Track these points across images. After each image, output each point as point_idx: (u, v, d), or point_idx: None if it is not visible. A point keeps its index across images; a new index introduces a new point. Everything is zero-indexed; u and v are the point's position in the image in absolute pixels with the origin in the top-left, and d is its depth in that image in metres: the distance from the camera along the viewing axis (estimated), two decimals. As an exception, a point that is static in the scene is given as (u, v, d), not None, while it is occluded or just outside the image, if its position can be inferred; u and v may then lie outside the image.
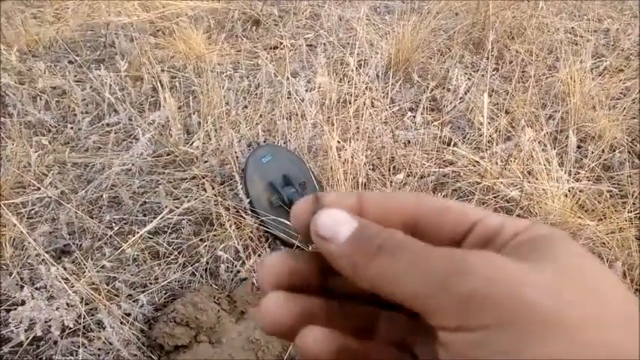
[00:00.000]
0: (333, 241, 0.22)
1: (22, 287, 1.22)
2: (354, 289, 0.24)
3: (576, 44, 2.18)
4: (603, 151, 1.64)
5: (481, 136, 1.64)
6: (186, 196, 1.49)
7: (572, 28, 2.31)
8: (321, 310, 0.24)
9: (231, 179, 1.51)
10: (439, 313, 0.19)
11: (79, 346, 1.13)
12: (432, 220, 0.23)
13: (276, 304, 0.24)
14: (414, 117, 1.76)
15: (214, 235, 1.37)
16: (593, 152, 1.62)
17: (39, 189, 1.50)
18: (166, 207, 1.43)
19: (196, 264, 1.31)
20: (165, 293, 1.25)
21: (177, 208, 1.43)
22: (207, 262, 1.31)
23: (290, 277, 0.24)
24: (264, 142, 1.64)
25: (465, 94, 1.85)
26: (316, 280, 0.24)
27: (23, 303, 1.15)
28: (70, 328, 1.14)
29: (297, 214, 0.24)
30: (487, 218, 0.23)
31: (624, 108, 1.80)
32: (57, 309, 1.13)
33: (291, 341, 0.24)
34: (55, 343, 1.15)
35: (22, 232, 1.31)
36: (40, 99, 1.83)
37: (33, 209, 1.47)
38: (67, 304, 1.16)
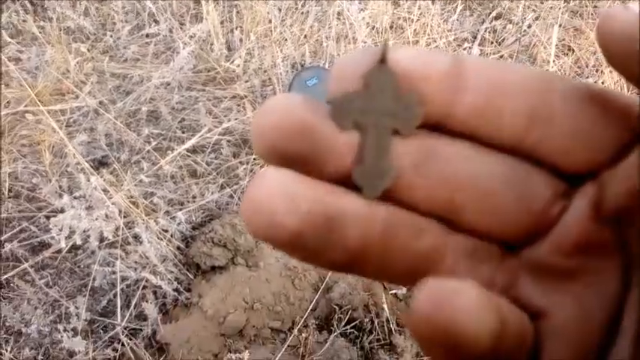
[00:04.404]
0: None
1: (61, 195, 1.21)
2: None
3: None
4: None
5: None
6: (226, 116, 1.44)
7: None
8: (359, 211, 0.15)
9: (273, 101, 1.44)
10: None
11: (116, 258, 1.14)
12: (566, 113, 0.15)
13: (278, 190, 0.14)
14: (471, 48, 1.63)
15: (254, 159, 1.33)
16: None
17: (77, 97, 1.47)
18: (205, 125, 1.39)
19: (235, 186, 1.28)
20: (203, 213, 1.23)
21: (217, 127, 1.38)
22: (246, 186, 1.28)
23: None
24: (310, 63, 1.55)
25: (529, 27, 1.70)
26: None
27: (63, 211, 1.15)
28: (109, 240, 1.14)
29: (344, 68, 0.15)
30: None
31: None
32: (96, 219, 1.13)
33: (288, 254, 0.15)
34: (93, 252, 1.15)
35: (61, 139, 1.29)
36: (80, 4, 1.76)
37: (72, 117, 1.44)
38: (106, 215, 1.15)
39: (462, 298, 0.13)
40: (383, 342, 1.06)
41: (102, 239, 1.15)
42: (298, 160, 0.14)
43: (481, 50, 1.61)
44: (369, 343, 1.06)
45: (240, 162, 1.33)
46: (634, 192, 0.15)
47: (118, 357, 1.09)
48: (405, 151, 0.15)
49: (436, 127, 0.15)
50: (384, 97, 0.14)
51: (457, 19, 1.76)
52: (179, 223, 1.17)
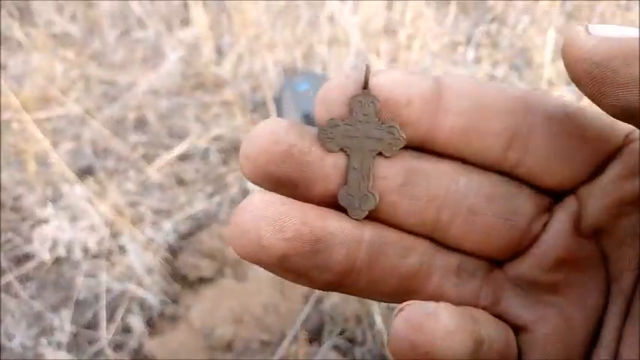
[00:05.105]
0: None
1: (45, 205, 1.18)
2: None
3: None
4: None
5: (541, 79, 1.50)
6: (215, 122, 1.41)
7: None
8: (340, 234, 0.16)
9: (263, 106, 1.42)
10: None
11: (101, 269, 1.10)
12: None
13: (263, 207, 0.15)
14: (466, 52, 1.61)
15: (243, 166, 1.30)
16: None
17: (63, 104, 1.44)
18: (193, 132, 1.36)
19: (224, 194, 1.25)
20: (191, 222, 1.20)
21: (206, 134, 1.36)
22: (236, 194, 1.25)
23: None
24: (302, 69, 1.52)
25: (525, 31, 1.68)
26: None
27: (47, 221, 1.12)
28: (93, 251, 1.11)
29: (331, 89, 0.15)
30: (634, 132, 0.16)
31: None
32: (81, 230, 1.10)
33: (277, 275, 0.15)
34: (78, 264, 1.12)
35: (46, 148, 1.26)
36: (67, 9, 1.73)
37: (57, 125, 1.41)
38: (91, 225, 1.12)
39: (438, 321, 0.14)
40: (375, 354, 1.03)
41: (87, 250, 1.12)
42: (287, 183, 0.15)
43: (476, 53, 1.59)
44: (362, 355, 1.03)
45: (230, 169, 1.30)
46: (612, 207, 0.16)
47: (102, 372, 1.05)
48: (389, 172, 0.15)
49: (420, 148, 0.15)
50: (368, 122, 0.15)
51: (453, 22, 1.74)
52: (167, 235, 1.14)
